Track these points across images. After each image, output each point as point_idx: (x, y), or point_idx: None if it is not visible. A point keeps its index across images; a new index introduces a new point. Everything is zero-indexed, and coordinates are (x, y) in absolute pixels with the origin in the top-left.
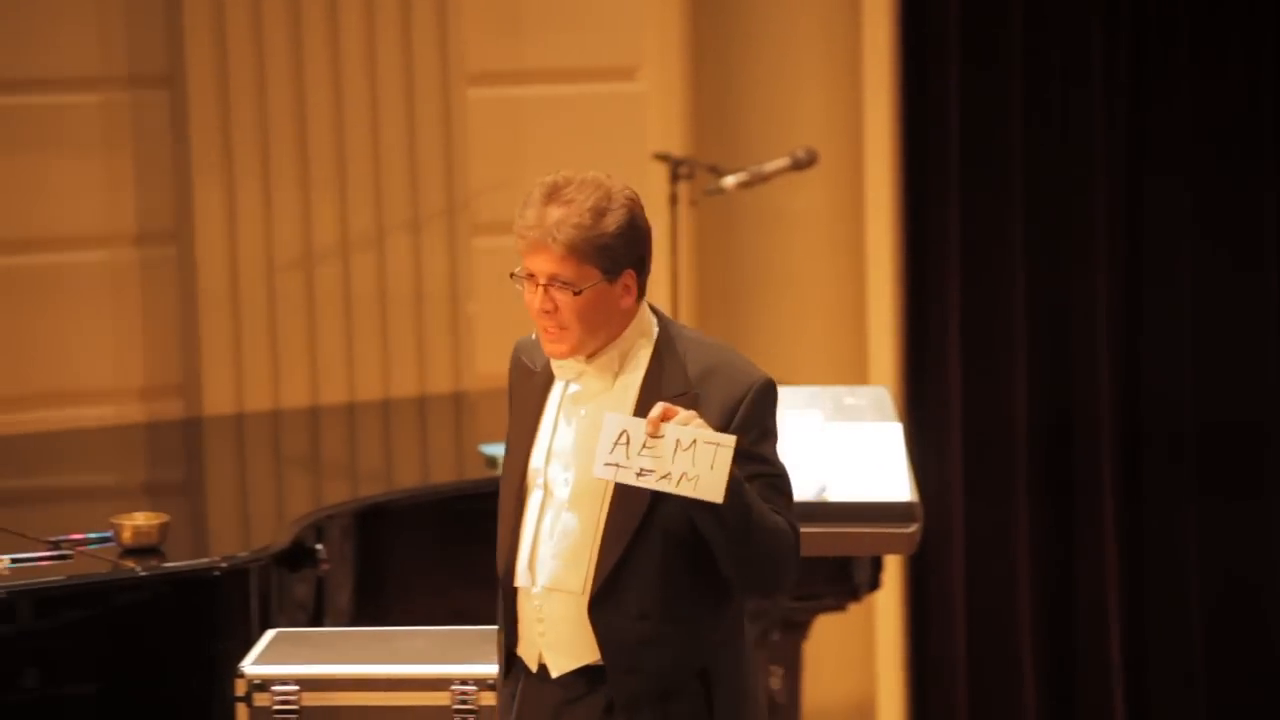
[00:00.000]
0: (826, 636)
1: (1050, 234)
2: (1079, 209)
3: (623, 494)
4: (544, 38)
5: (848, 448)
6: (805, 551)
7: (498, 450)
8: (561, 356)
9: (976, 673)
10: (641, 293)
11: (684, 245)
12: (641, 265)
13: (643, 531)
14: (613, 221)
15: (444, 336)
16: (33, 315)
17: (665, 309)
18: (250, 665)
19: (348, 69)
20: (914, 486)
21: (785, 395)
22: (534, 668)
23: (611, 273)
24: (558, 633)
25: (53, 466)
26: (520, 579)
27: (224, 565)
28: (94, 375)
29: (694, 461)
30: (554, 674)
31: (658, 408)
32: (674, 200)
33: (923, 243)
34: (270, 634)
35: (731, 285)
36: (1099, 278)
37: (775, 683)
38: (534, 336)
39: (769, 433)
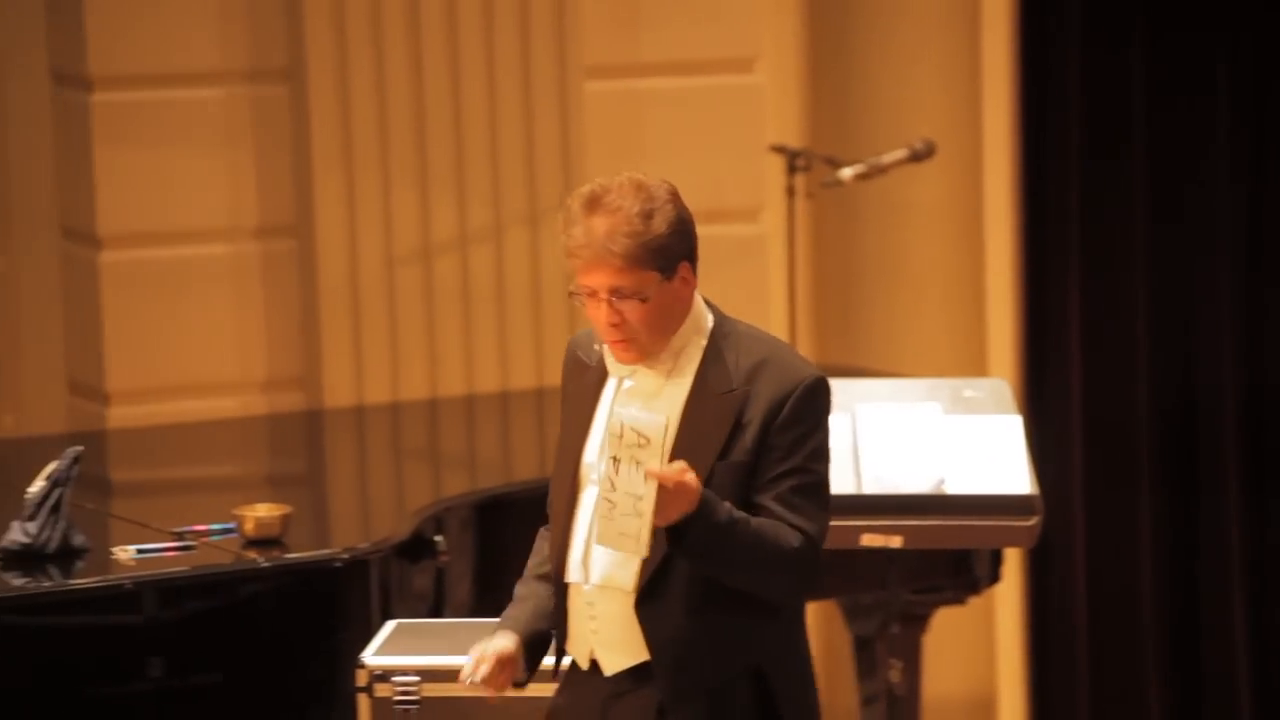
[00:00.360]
0: (946, 630)
1: (1173, 223)
2: (1203, 198)
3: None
4: (661, 30)
5: (966, 440)
6: (925, 544)
7: None
8: (634, 363)
9: (1098, 667)
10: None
11: (801, 238)
12: (692, 255)
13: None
14: (661, 220)
15: (561, 329)
16: (157, 309)
17: (781, 302)
18: (371, 656)
19: (466, 63)
20: (1033, 479)
21: (904, 387)
22: (584, 664)
23: (668, 270)
24: (610, 630)
25: (177, 458)
26: (572, 575)
27: (345, 557)
28: (217, 368)
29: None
30: (607, 672)
31: (674, 467)
32: (791, 192)
33: (1042, 234)
34: (391, 625)
35: (849, 277)
36: (1222, 267)
37: (894, 676)
38: (589, 332)
39: (812, 431)
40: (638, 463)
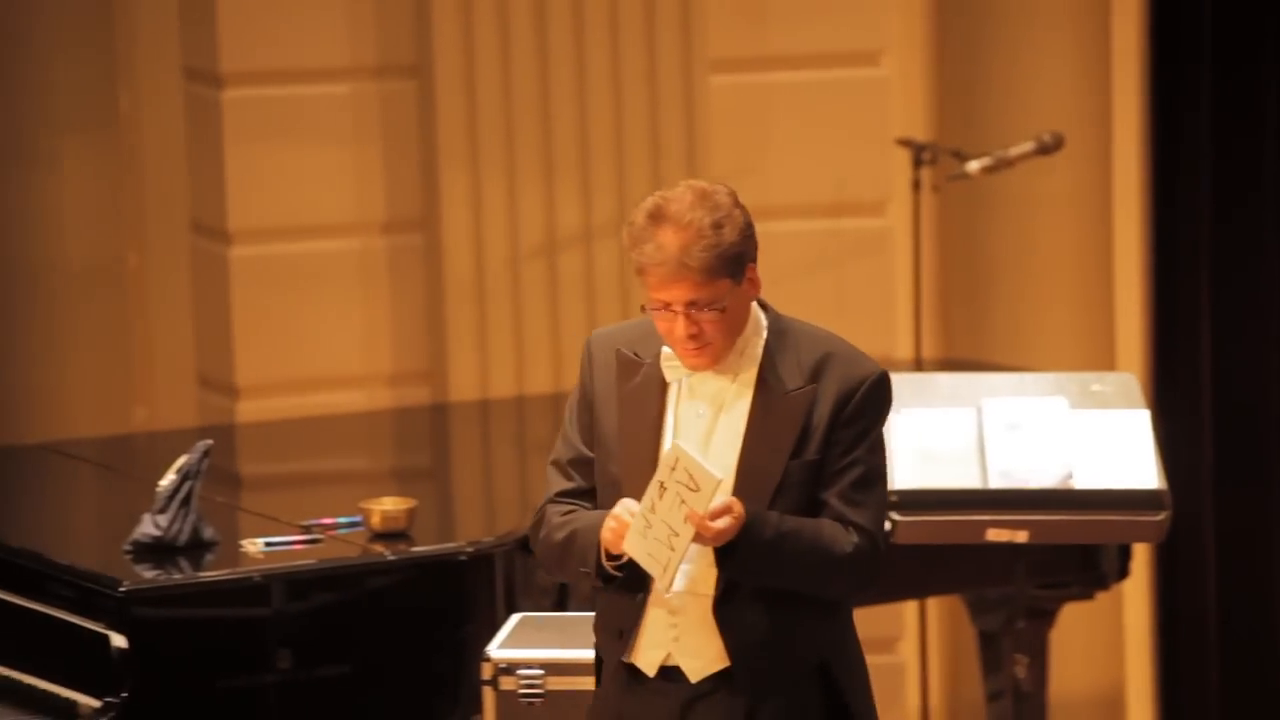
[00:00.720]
0: (1074, 625)
1: None
2: None
3: (747, 497)
4: (787, 24)
5: (1094, 435)
6: (1052, 539)
7: None
8: (705, 369)
9: (1228, 664)
10: None
11: (926, 231)
12: (755, 254)
13: None
14: (731, 229)
15: None
16: (285, 303)
17: (907, 296)
18: (496, 649)
19: (591, 57)
20: (1161, 474)
21: (1030, 382)
22: (652, 671)
23: (738, 276)
24: (693, 636)
25: (304, 452)
26: (660, 583)
27: (470, 550)
28: (344, 362)
29: (666, 540)
30: (693, 678)
31: (722, 517)
32: (917, 186)
33: (1172, 226)
34: (515, 618)
35: (975, 271)
36: None
37: (1020, 671)
38: (615, 331)
39: (874, 425)
40: (682, 501)
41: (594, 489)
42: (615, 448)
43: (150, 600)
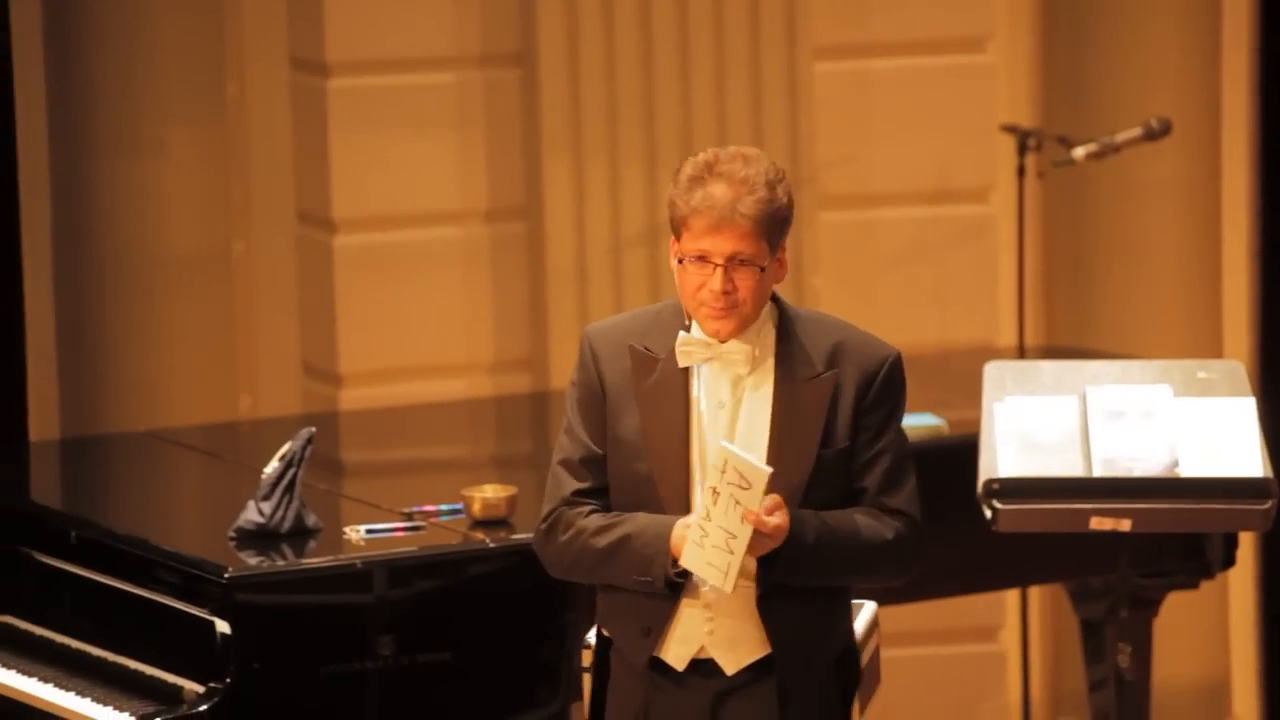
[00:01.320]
0: (1178, 614)
1: None
2: None
3: (781, 488)
4: (892, 10)
5: (1199, 422)
6: (1156, 527)
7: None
8: (727, 337)
9: None
10: None
11: (1031, 218)
12: (787, 235)
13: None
14: (783, 193)
15: None
16: (388, 292)
17: (1011, 283)
18: (596, 636)
19: (695, 44)
20: (1268, 462)
21: (1135, 369)
22: (681, 667)
23: (776, 245)
24: (728, 629)
25: (406, 439)
26: (718, 586)
27: None
28: (446, 350)
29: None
30: (729, 670)
31: (774, 511)
32: (1022, 172)
33: None
34: None
35: (1081, 258)
36: None
37: (1123, 660)
38: (622, 322)
39: (898, 407)
40: (736, 502)
41: (606, 487)
42: (642, 446)
43: (254, 587)
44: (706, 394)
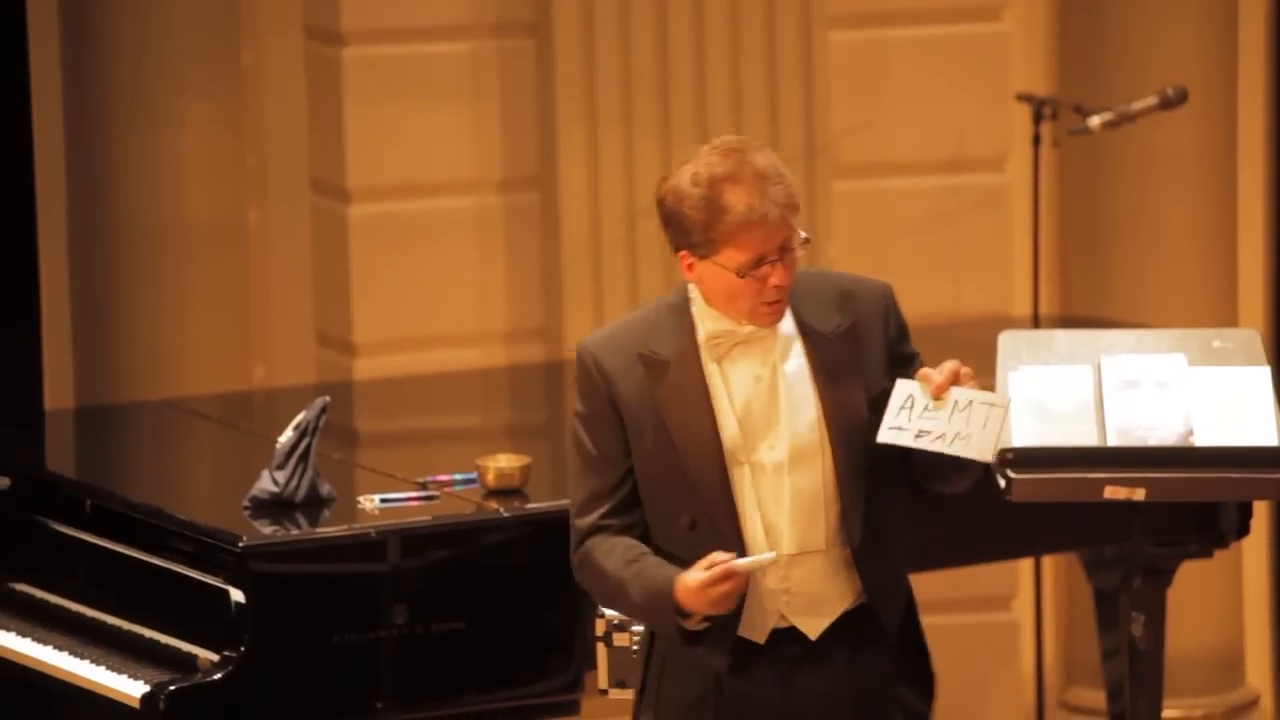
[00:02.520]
0: (1192, 583)
1: None
2: None
3: (844, 440)
4: None
5: (1214, 392)
6: (1170, 496)
7: None
8: (776, 323)
9: None
10: None
11: (1046, 187)
12: None
13: (874, 471)
14: (784, 165)
15: None
16: (402, 261)
17: (1026, 251)
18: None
19: (709, 14)
20: None
21: (1150, 338)
22: (762, 639)
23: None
24: (806, 594)
25: (420, 409)
26: (768, 552)
27: None
28: (460, 320)
29: (968, 422)
30: (813, 636)
31: (946, 372)
32: (1037, 141)
33: None
34: None
35: (1095, 227)
36: None
37: (1136, 630)
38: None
39: (907, 326)
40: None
41: (628, 506)
42: (674, 455)
43: (268, 556)
44: (737, 376)
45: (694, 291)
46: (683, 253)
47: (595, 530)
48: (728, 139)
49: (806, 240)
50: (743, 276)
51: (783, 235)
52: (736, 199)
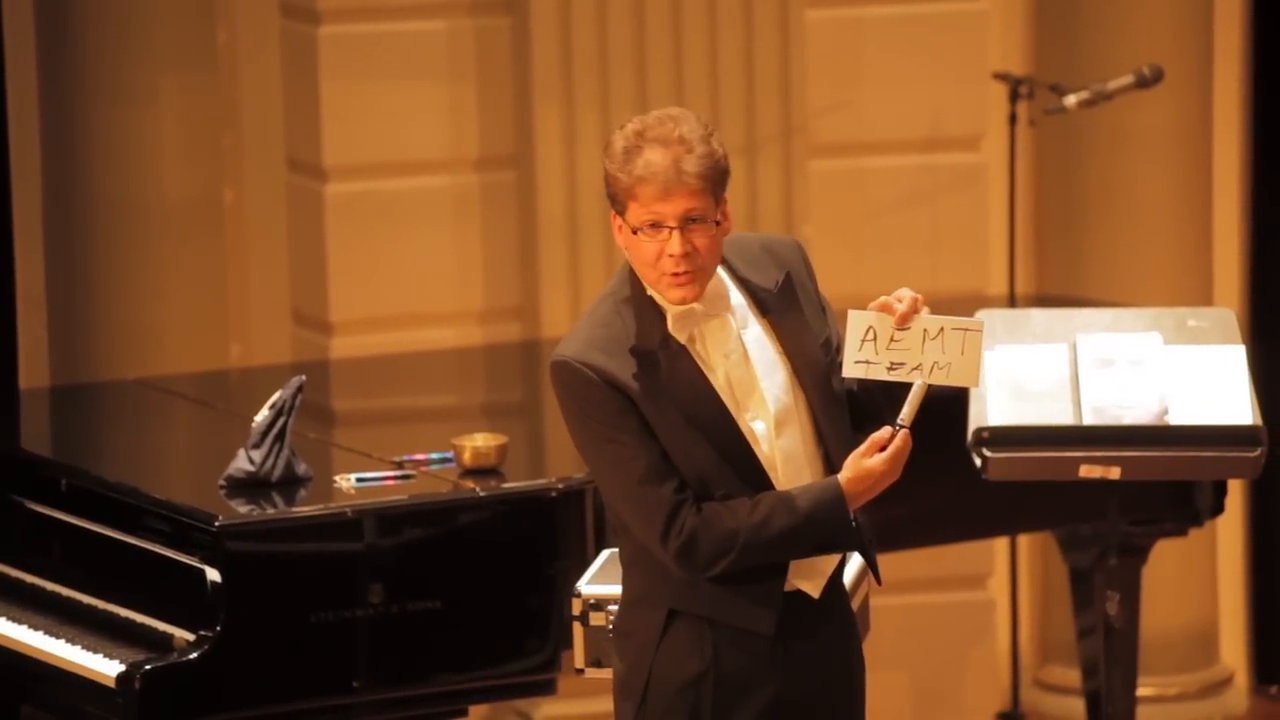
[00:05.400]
0: (1167, 562)
1: None
2: None
3: (817, 394)
4: None
5: (1189, 370)
6: (1145, 475)
7: None
8: (693, 300)
9: None
10: None
11: (1023, 165)
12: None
13: (844, 410)
14: (718, 145)
15: None
16: (378, 240)
17: (1001, 230)
18: (586, 585)
19: None
20: (1257, 409)
21: (1126, 317)
22: (817, 594)
23: (720, 198)
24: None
25: (396, 388)
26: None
27: (560, 487)
28: (436, 298)
29: (944, 349)
30: (816, 595)
31: (906, 299)
32: (1013, 120)
33: (1273, 161)
34: (605, 554)
35: (1071, 206)
36: None
37: (1111, 608)
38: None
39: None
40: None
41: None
42: (695, 434)
43: (244, 535)
44: (713, 353)
45: (634, 277)
46: (612, 213)
47: (680, 504)
48: (672, 109)
49: (720, 224)
50: (636, 233)
51: (687, 205)
52: (650, 156)
